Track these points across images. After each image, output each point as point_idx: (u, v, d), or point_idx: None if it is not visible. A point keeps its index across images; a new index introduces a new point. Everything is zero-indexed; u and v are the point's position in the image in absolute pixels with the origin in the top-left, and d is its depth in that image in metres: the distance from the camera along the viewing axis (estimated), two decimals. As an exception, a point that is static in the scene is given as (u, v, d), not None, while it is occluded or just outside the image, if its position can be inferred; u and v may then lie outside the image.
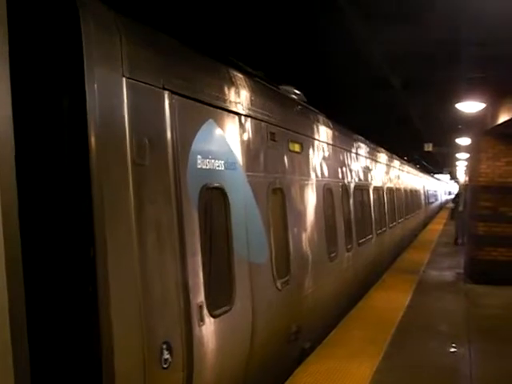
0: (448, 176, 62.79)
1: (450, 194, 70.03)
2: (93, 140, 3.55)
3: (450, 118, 13.88)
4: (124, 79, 3.93)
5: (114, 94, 3.84)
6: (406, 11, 6.62)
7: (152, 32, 4.60)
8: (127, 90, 3.94)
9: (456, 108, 11.65)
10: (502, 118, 11.23)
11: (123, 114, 3.88)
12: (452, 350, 8.10)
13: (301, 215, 7.86)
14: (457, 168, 40.64)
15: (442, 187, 62.12)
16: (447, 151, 26.51)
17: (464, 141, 18.06)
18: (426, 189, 36.33)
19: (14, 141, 2.73)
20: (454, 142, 19.19)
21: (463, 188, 24.14)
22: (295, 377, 6.77)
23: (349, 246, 10.74)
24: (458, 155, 26.61)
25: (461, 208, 21.54)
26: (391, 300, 11.29)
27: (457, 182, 56.66)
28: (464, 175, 42.10)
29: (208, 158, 5.04)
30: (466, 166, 34.78)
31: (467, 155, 25.01)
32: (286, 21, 9.45)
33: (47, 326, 3.58)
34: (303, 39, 10.26)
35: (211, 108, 5.22)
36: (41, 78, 3.55)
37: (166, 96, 4.46)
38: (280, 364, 6.87)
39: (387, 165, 18.22)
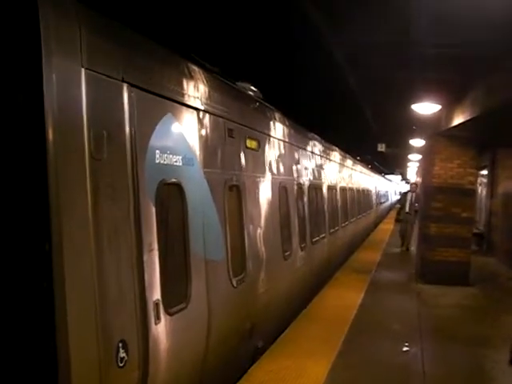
0: (399, 177, 63.78)
1: (400, 194, 71.11)
2: (50, 132, 3.47)
3: (405, 119, 14.04)
4: (83, 70, 3.84)
5: (72, 85, 3.75)
6: (366, 12, 6.66)
7: (112, 23, 4.51)
8: (86, 82, 3.85)
9: (412, 109, 11.78)
10: (457, 121, 11.43)
11: (81, 105, 3.80)
12: (405, 348, 8.21)
13: (257, 213, 7.85)
14: (408, 169, 41.28)
15: (392, 188, 63.00)
16: (400, 152, 26.86)
17: (417, 142, 18.29)
18: (377, 189, 36.73)
19: None
20: (407, 143, 19.39)
21: (413, 188, 20.94)
22: (251, 375, 6.79)
23: (303, 245, 10.78)
24: (410, 156, 26.94)
25: (407, 209, 20.27)
26: (344, 299, 11.39)
27: (408, 182, 57.59)
28: (415, 176, 42.89)
29: (166, 153, 4.99)
30: (418, 167, 35.41)
31: (419, 156, 25.39)
32: (245, 18, 9.45)
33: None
34: (261, 37, 10.29)
35: (170, 102, 5.17)
36: None
37: (125, 88, 4.38)
38: (234, 362, 6.87)
39: (341, 164, 18.34)
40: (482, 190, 21.54)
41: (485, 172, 21.11)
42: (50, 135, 3.46)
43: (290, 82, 13.24)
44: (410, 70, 9.14)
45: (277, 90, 11.64)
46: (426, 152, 15.58)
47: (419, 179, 34.17)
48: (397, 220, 22.59)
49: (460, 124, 11.36)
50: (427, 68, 8.94)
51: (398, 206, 22.88)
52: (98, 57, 4.05)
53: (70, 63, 3.74)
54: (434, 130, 13.75)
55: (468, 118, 10.55)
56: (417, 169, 37.85)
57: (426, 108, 11.69)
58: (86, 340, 3.77)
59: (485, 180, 21.34)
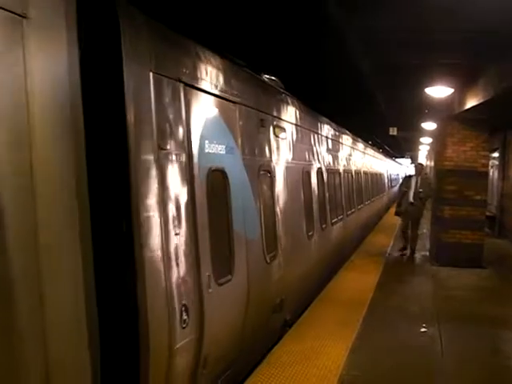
0: (409, 160, 63.54)
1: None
2: (130, 127, 4.15)
3: (418, 103, 14.03)
4: (151, 73, 4.55)
5: (144, 87, 4.45)
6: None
7: (169, 31, 5.18)
8: (153, 83, 4.56)
9: (425, 92, 11.80)
10: (470, 104, 11.46)
11: (151, 103, 4.51)
12: (422, 329, 8.31)
13: (284, 196, 8.51)
14: (419, 152, 41.16)
15: (403, 171, 62.94)
16: (410, 135, 26.82)
17: (429, 125, 18.27)
18: (388, 172, 36.85)
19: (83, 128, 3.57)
20: (419, 126, 19.40)
21: (419, 169, 16.34)
22: (273, 355, 7.10)
23: (323, 226, 11.42)
24: (421, 139, 26.88)
25: (411, 199, 15.42)
26: (360, 281, 11.70)
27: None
28: (425, 159, 42.77)
29: (213, 143, 5.69)
30: (428, 151, 35.33)
31: (430, 140, 25.36)
32: (262, 8, 9.47)
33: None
34: (275, 24, 10.29)
35: (215, 98, 5.85)
36: (86, 76, 3.94)
37: (181, 88, 5.07)
38: (267, 332, 7.57)
39: (355, 149, 18.90)
40: (493, 173, 21.49)
41: (496, 154, 21.07)
42: (131, 129, 4.15)
43: (304, 68, 13.22)
44: (424, 54, 9.16)
45: (292, 76, 11.66)
46: (439, 135, 15.58)
47: (429, 162, 34.09)
48: (397, 213, 16.53)
49: (473, 107, 11.42)
50: (441, 52, 8.96)
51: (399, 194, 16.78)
52: (162, 61, 4.77)
53: (142, 68, 4.46)
54: (447, 113, 13.77)
55: (481, 100, 10.63)
56: (427, 152, 37.75)
57: (439, 91, 11.70)
58: (160, 304, 4.47)
59: (496, 162, 21.31)
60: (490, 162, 19.03)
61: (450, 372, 6.89)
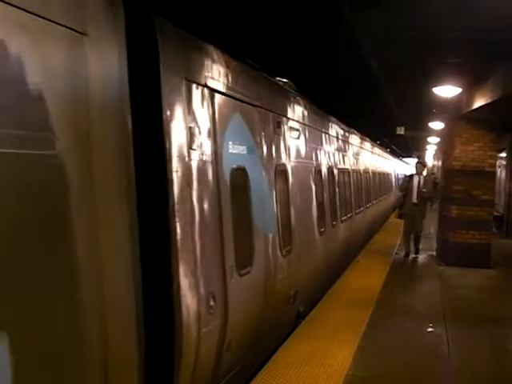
0: (416, 160, 63.43)
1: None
2: (166, 127, 4.56)
3: (426, 102, 14.04)
4: (183, 81, 4.98)
5: (177, 92, 4.86)
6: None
7: (197, 39, 5.55)
8: (185, 89, 4.99)
9: (432, 92, 11.81)
10: (477, 104, 11.51)
11: (183, 107, 4.92)
12: (429, 329, 8.29)
13: (298, 194, 8.92)
14: (426, 152, 41.07)
15: (410, 170, 62.95)
16: (418, 135, 26.76)
17: (437, 125, 18.27)
18: (396, 172, 36.98)
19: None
20: (427, 126, 19.36)
21: (420, 169, 15.98)
22: (279, 355, 7.17)
23: (334, 223, 11.84)
24: (428, 139, 26.81)
25: (414, 199, 15.04)
26: (367, 280, 11.90)
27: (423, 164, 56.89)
28: (432, 159, 42.64)
29: (236, 144, 6.11)
30: (436, 150, 35.23)
31: (437, 139, 25.29)
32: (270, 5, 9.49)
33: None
34: (284, 23, 10.32)
35: (237, 101, 6.25)
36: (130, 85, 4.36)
37: (208, 93, 5.47)
38: (282, 322, 7.96)
39: (363, 149, 19.21)
40: (500, 173, 21.41)
41: (503, 154, 20.99)
42: (166, 131, 4.56)
43: (315, 69, 13.27)
44: (432, 53, 9.17)
45: (303, 77, 11.72)
46: (446, 135, 15.63)
47: (436, 162, 33.91)
48: (400, 215, 16.15)
49: (480, 107, 11.42)
50: (449, 52, 8.98)
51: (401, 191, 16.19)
52: (192, 69, 5.19)
53: (176, 77, 4.87)
54: (455, 112, 13.84)
55: (489, 100, 10.67)
56: (434, 152, 37.66)
57: (446, 91, 11.74)
58: (191, 291, 4.83)
59: (504, 162, 21.22)
60: (498, 162, 18.97)
61: (456, 372, 6.93)
